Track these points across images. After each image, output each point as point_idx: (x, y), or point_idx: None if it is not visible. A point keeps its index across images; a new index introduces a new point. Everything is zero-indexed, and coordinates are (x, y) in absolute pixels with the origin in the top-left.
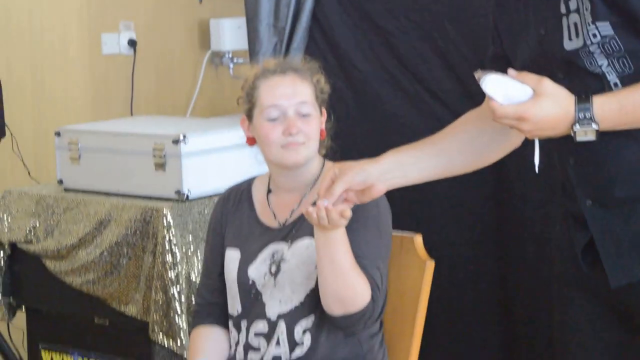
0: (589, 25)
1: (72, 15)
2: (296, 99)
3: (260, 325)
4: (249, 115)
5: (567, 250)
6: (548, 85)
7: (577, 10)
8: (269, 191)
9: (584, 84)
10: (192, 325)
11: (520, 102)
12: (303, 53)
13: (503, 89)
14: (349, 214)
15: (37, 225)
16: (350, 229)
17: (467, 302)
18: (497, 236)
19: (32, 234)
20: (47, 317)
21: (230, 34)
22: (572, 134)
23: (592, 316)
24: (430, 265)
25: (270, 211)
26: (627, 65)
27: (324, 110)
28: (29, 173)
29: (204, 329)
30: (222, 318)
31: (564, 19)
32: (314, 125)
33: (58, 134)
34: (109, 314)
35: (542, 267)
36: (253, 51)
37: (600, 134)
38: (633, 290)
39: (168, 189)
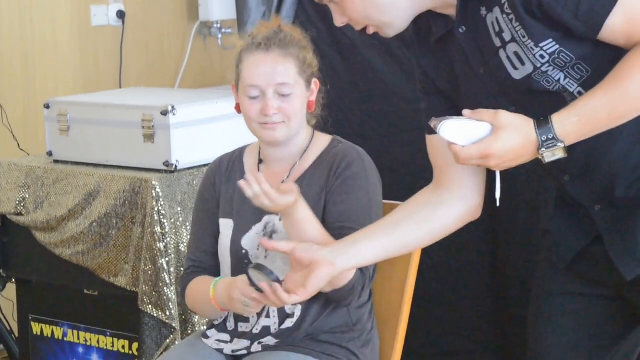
0: (533, 49)
1: None
2: (276, 80)
3: None
4: (237, 85)
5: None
6: (504, 116)
7: (513, 39)
8: (260, 161)
9: (545, 104)
10: (184, 283)
11: (481, 139)
12: (292, 21)
13: (462, 131)
14: (289, 187)
15: (27, 196)
16: (340, 199)
17: (456, 268)
18: (487, 202)
19: (22, 205)
20: (36, 289)
21: (218, 3)
22: (541, 157)
23: (566, 289)
24: None
25: None
26: (583, 69)
27: (316, 81)
28: (18, 145)
29: (202, 278)
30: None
31: (501, 52)
32: (295, 103)
33: (47, 105)
34: (99, 285)
35: (531, 234)
36: (241, 21)
37: (584, 141)
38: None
39: (157, 160)
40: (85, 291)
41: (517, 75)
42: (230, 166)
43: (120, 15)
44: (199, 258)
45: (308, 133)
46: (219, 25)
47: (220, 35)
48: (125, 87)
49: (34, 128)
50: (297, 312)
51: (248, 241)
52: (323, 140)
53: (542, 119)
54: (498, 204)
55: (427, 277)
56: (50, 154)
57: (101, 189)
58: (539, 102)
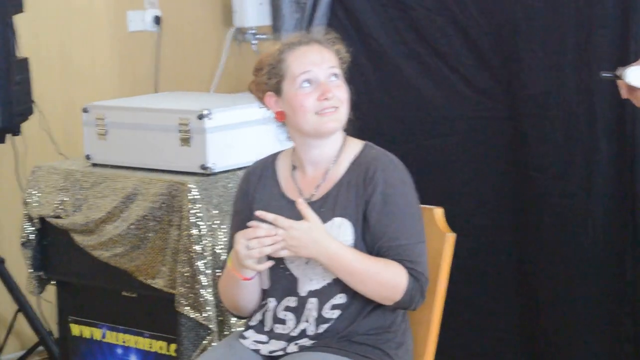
0: None
1: None
2: (326, 64)
3: (291, 301)
4: (277, 90)
5: None
6: None
7: None
8: (293, 167)
9: None
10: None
11: None
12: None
13: None
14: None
15: (66, 199)
16: (382, 212)
17: (487, 273)
18: (515, 207)
19: (61, 208)
20: (76, 291)
21: (253, 10)
22: None
23: None
24: (451, 237)
25: (296, 187)
26: None
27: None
28: (57, 149)
29: None
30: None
31: None
32: (344, 90)
33: (85, 110)
34: (136, 287)
35: (559, 237)
36: (276, 27)
37: None
38: None
39: (193, 164)
40: (124, 293)
41: None
42: (263, 173)
43: (157, 20)
44: None
45: (341, 136)
46: (253, 32)
47: (254, 41)
48: (162, 92)
49: (73, 132)
50: (335, 316)
51: None
52: (355, 145)
53: None
54: None
55: (456, 279)
56: (88, 157)
57: (138, 192)
58: None
